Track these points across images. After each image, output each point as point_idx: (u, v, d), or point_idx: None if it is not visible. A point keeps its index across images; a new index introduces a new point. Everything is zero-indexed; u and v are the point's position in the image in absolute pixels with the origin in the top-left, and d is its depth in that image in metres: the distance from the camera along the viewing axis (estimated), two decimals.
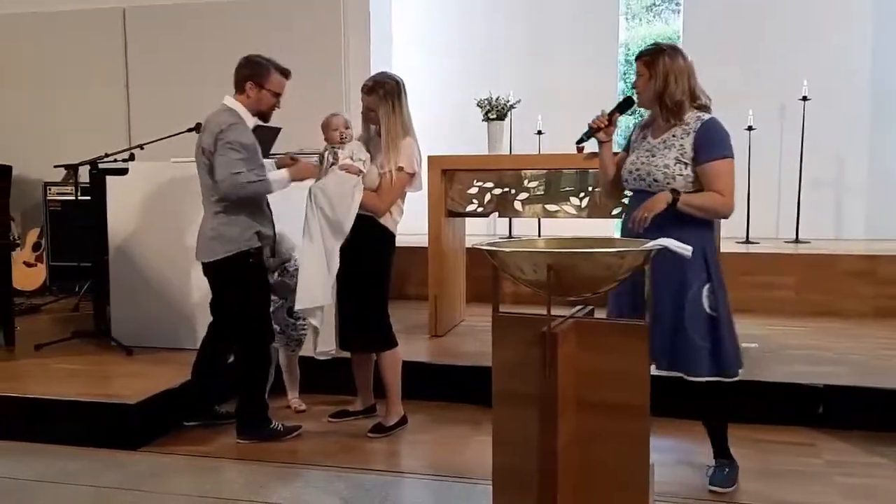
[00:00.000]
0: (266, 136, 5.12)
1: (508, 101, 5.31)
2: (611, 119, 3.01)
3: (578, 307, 2.40)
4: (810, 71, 6.31)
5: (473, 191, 4.79)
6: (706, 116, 2.91)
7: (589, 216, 4.71)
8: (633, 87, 3.02)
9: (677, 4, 8.63)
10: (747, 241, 6.18)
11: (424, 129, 4.51)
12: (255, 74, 3.49)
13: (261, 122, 3.60)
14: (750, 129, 6.18)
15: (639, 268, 2.16)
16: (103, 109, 7.05)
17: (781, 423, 3.64)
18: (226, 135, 3.36)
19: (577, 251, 2.15)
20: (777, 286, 5.47)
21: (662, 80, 2.85)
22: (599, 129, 3.01)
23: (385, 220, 3.55)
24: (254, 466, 3.30)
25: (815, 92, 6.18)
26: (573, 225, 5.04)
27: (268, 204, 3.63)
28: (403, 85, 3.54)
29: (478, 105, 5.30)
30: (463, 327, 5.12)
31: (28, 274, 6.54)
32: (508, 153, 5.87)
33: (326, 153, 3.62)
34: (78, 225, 5.36)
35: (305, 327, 3.80)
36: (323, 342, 3.55)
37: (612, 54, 7.25)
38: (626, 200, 3.32)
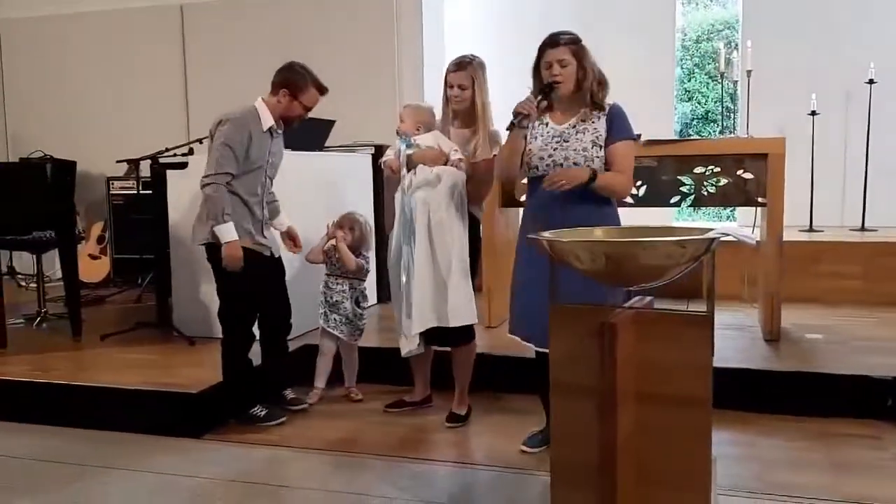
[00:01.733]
0: (320, 128, 5.17)
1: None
2: (538, 105, 2.95)
3: (637, 297, 2.37)
4: (877, 53, 6.10)
5: (527, 181, 4.73)
6: (611, 101, 3.01)
7: (646, 205, 4.62)
8: (554, 75, 2.93)
9: None
10: (811, 230, 6.02)
11: None
12: (292, 84, 3.53)
13: (273, 126, 3.58)
14: (813, 113, 6.01)
15: (701, 256, 2.11)
16: (163, 105, 7.20)
17: (849, 415, 3.52)
18: (220, 129, 3.46)
19: (640, 240, 2.11)
20: (843, 275, 5.31)
21: (592, 72, 2.93)
22: (528, 115, 2.94)
23: (473, 209, 3.54)
24: (312, 455, 3.34)
25: (882, 75, 5.97)
26: (629, 214, 4.94)
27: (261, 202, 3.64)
28: None
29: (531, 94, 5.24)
30: None
31: (93, 266, 6.73)
32: None
33: (406, 146, 3.48)
34: (140, 218, 5.49)
35: (366, 318, 3.83)
36: (410, 342, 3.50)
37: (668, 40, 7.11)
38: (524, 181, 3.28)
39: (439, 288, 3.42)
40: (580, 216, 2.77)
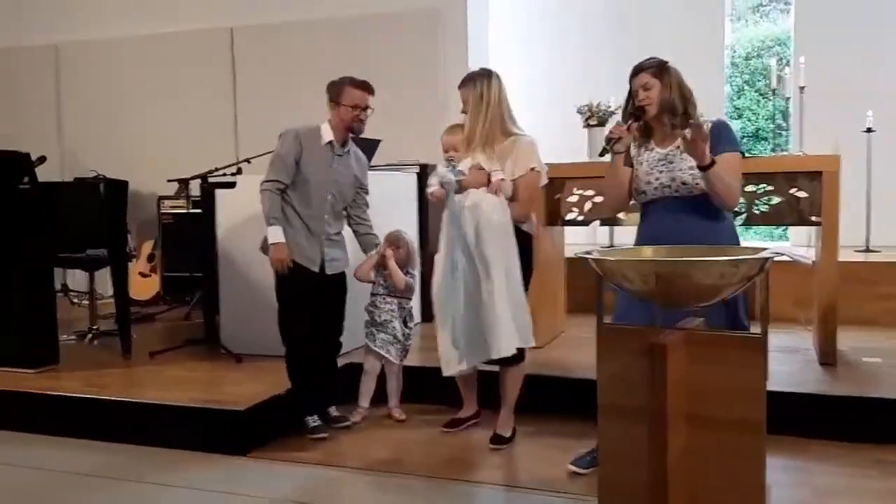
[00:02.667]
0: (366, 147, 5.19)
1: (609, 108, 5.21)
2: (628, 128, 2.99)
3: (688, 318, 2.31)
4: None
5: (573, 199, 4.71)
6: (713, 118, 3.05)
7: None
8: (640, 100, 2.98)
9: (787, 3, 8.30)
10: (867, 250, 5.85)
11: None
12: (331, 95, 3.70)
13: (333, 141, 3.67)
14: (869, 130, 5.85)
15: (754, 276, 2.06)
16: (213, 125, 7.34)
17: None
18: (278, 141, 3.69)
19: (693, 259, 2.06)
20: None
21: (677, 90, 2.98)
22: (620, 139, 2.98)
23: (527, 226, 3.51)
24: (356, 475, 3.32)
25: None
26: None
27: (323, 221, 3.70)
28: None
29: (578, 112, 5.23)
30: (563, 338, 5.03)
31: (143, 284, 6.85)
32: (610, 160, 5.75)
33: (444, 171, 3.44)
34: (189, 237, 5.57)
35: (412, 337, 3.85)
36: (454, 362, 3.44)
37: (718, 57, 7.02)
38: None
39: (493, 315, 3.31)
40: (696, 233, 2.76)
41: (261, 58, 7.19)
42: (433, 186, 3.46)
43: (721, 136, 2.93)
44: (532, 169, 3.43)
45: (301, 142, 3.63)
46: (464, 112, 3.49)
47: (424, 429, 3.84)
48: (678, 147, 2.93)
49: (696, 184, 2.89)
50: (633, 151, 3.09)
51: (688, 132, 2.74)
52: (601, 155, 3.07)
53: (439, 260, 3.48)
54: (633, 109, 3.01)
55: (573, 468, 3.20)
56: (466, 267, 3.36)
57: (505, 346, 3.31)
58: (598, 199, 4.64)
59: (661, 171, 2.97)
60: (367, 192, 3.93)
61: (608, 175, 3.12)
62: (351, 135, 3.75)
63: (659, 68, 3.00)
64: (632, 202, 3.18)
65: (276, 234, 3.60)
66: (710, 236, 2.80)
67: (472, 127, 3.44)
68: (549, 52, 7.27)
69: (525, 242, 3.49)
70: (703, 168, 2.78)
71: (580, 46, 7.19)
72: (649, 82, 2.98)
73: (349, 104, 3.64)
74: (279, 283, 3.69)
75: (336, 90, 3.68)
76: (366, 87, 3.70)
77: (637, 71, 3.03)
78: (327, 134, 3.68)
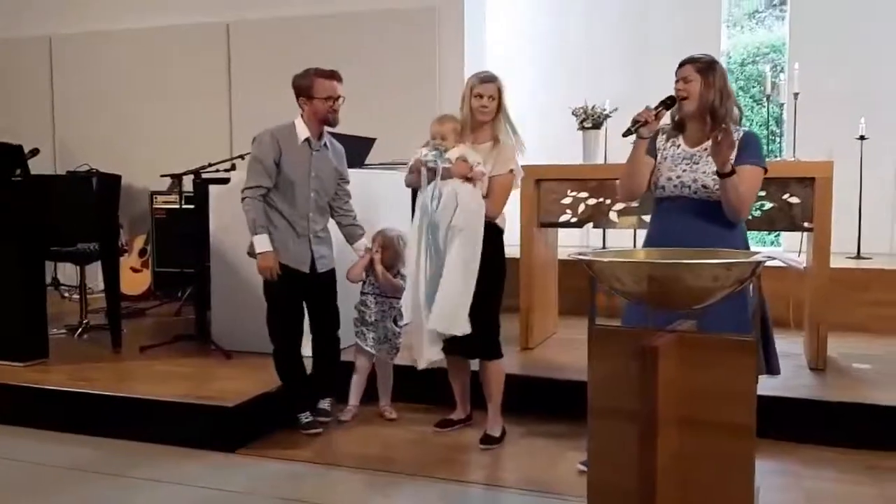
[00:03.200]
0: (361, 146, 5.19)
1: (604, 110, 5.21)
2: (657, 115, 2.92)
3: (680, 320, 2.31)
4: None
5: (567, 201, 4.70)
6: (745, 127, 3.00)
7: None
8: (678, 90, 2.93)
9: (782, 11, 8.32)
10: (859, 257, 5.86)
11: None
12: (300, 89, 3.63)
13: (310, 138, 3.64)
14: (862, 138, 5.87)
15: (747, 280, 2.06)
16: (207, 121, 7.31)
17: None
18: (253, 146, 3.66)
19: (686, 262, 2.06)
20: (892, 304, 5.15)
21: (718, 93, 2.90)
22: (646, 122, 2.91)
23: (499, 220, 3.55)
24: (345, 473, 3.32)
25: None
26: None
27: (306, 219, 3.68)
28: None
29: (573, 114, 5.22)
30: (555, 340, 5.03)
31: (134, 279, 6.82)
32: (604, 162, 5.76)
33: (433, 156, 3.47)
34: (181, 232, 5.55)
35: (402, 336, 3.84)
36: (427, 354, 3.46)
37: None
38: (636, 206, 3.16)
39: (441, 293, 3.36)
40: (708, 238, 2.73)
41: (256, 53, 7.16)
42: (416, 163, 3.52)
43: (748, 148, 2.88)
44: (510, 171, 3.50)
45: (278, 142, 3.58)
46: (482, 102, 3.47)
47: (415, 428, 3.84)
48: (706, 149, 2.90)
49: (717, 188, 2.84)
50: (659, 143, 3.04)
51: (718, 134, 2.73)
52: (624, 135, 2.97)
53: (411, 252, 3.51)
54: (666, 98, 2.95)
55: (583, 468, 3.12)
56: (433, 256, 3.40)
57: (435, 320, 3.33)
58: (592, 201, 4.65)
59: (683, 170, 2.92)
60: (347, 182, 3.90)
61: (628, 159, 3.05)
62: (326, 127, 3.71)
63: (706, 65, 2.93)
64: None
65: (262, 243, 3.56)
66: (721, 242, 2.74)
67: (489, 120, 3.50)
68: (547, 53, 7.26)
69: (497, 239, 3.54)
70: (722, 175, 2.76)
71: (577, 49, 7.19)
72: (690, 76, 2.91)
73: (323, 96, 3.60)
74: (267, 284, 3.66)
75: (306, 84, 3.61)
76: (336, 77, 3.65)
77: (684, 62, 2.98)
78: (303, 130, 3.63)
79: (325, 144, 3.73)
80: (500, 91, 3.49)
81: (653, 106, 2.93)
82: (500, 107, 3.50)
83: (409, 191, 5.53)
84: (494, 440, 3.58)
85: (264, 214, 3.59)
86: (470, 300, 3.38)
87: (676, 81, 2.96)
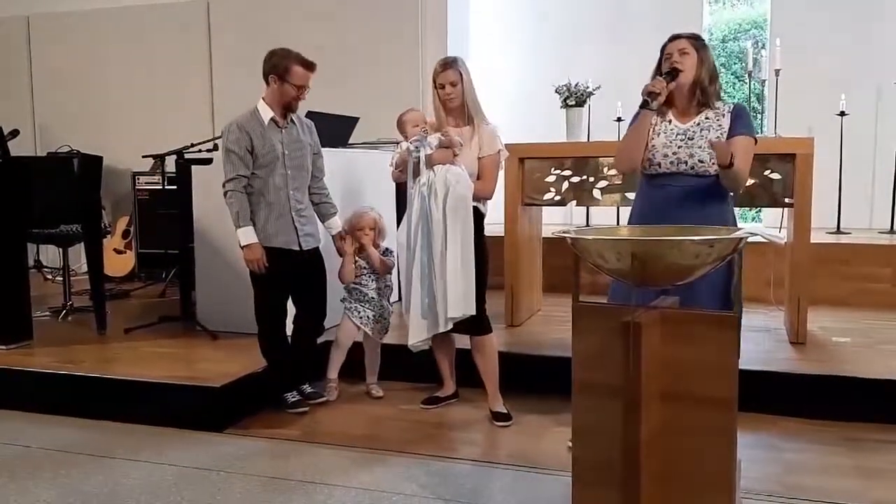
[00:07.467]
0: (344, 125, 5.17)
1: (587, 88, 5.21)
2: (667, 84, 2.95)
3: (662, 296, 2.34)
4: None
5: (551, 179, 4.73)
6: (733, 100, 3.04)
7: None
8: (674, 62, 2.94)
9: None
10: (838, 231, 5.93)
11: (501, 116, 4.48)
12: (276, 67, 3.58)
13: (275, 117, 3.62)
14: (842, 114, 5.92)
15: (728, 256, 2.08)
16: (189, 100, 7.25)
17: (877, 420, 3.47)
18: (222, 140, 3.60)
19: (668, 239, 2.08)
20: (871, 278, 5.23)
21: (708, 72, 2.96)
22: (659, 94, 2.93)
23: (478, 203, 3.57)
24: (333, 450, 3.34)
25: None
26: None
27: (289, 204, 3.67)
28: None
29: (556, 91, 5.22)
30: (539, 317, 5.07)
31: (118, 260, 6.79)
32: (587, 140, 5.77)
33: (414, 148, 3.53)
34: (164, 213, 5.53)
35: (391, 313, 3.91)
36: (417, 333, 3.52)
37: None
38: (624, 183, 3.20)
39: (445, 282, 3.43)
40: (700, 215, 2.78)
41: (238, 31, 7.10)
42: (397, 158, 3.59)
43: (739, 119, 2.95)
44: (498, 151, 3.56)
45: (247, 131, 3.54)
46: (445, 91, 3.50)
47: (402, 405, 3.87)
48: (698, 124, 2.94)
49: (713, 163, 2.87)
50: (652, 119, 3.03)
51: (713, 139, 2.82)
52: (642, 107, 2.97)
53: (402, 232, 3.57)
54: (668, 70, 2.96)
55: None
56: (427, 239, 3.45)
57: (452, 308, 3.40)
58: (576, 179, 4.67)
59: (679, 147, 2.94)
60: (321, 157, 3.88)
61: (633, 130, 3.03)
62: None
63: (699, 40, 2.99)
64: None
65: (247, 236, 3.54)
66: (719, 216, 2.83)
67: (463, 103, 3.52)
68: (529, 32, 7.24)
69: (479, 222, 3.56)
70: (724, 167, 2.78)
71: (559, 27, 7.17)
72: (687, 48, 2.94)
73: (296, 83, 3.57)
74: (254, 275, 3.64)
75: (283, 66, 3.56)
76: (313, 69, 3.62)
77: (675, 37, 3.00)
78: (266, 111, 3.60)
79: (291, 120, 3.71)
80: (461, 74, 3.49)
81: (661, 77, 2.95)
82: (467, 90, 3.50)
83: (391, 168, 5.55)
84: (507, 416, 3.62)
85: (248, 207, 3.57)
86: (474, 278, 3.44)
87: (669, 55, 2.97)
